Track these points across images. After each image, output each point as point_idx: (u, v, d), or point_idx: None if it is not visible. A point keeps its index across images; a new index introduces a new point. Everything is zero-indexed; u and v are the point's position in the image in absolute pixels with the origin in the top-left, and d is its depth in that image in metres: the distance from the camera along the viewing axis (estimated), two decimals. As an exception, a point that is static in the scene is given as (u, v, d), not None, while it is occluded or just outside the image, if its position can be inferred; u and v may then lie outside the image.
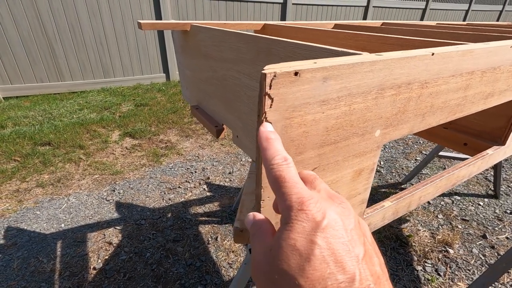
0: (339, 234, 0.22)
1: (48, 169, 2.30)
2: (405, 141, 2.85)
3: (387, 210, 0.58)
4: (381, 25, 1.38)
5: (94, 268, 1.51)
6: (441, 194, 2.05)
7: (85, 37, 4.03)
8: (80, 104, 3.62)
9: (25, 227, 1.77)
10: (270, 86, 0.30)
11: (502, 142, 0.82)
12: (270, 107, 0.31)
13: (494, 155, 0.79)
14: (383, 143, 0.46)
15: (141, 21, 0.95)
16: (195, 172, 2.33)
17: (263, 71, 0.30)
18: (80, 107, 3.52)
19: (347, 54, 0.40)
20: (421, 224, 1.79)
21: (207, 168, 2.37)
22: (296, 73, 0.31)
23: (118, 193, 2.07)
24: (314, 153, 0.39)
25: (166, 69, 4.80)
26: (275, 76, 0.30)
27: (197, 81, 1.15)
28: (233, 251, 1.61)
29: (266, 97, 0.31)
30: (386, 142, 0.47)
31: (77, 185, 2.15)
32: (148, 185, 2.16)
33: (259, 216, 0.28)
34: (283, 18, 5.61)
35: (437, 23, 1.38)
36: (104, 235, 1.72)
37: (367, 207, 0.56)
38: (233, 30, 0.76)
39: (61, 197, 2.03)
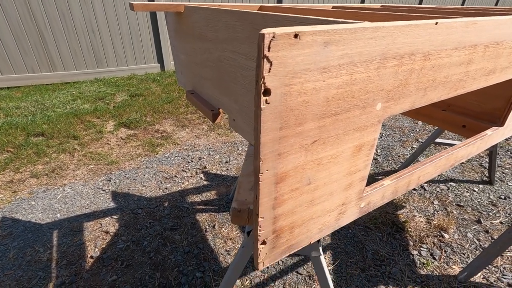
0: None
1: (42, 160, 2.27)
2: (402, 129, 2.85)
3: (387, 189, 0.58)
4: (380, 7, 1.35)
5: (91, 257, 1.50)
6: (439, 174, 2.07)
7: (76, 25, 3.93)
8: (73, 94, 3.56)
9: (20, 217, 1.75)
10: (269, 48, 0.29)
11: (501, 123, 0.82)
12: (269, 71, 0.30)
13: (493, 135, 0.79)
14: (384, 118, 0.45)
15: (133, 2, 0.92)
16: (192, 161, 2.31)
17: (261, 32, 0.28)
18: (73, 97, 3.45)
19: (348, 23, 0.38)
20: (417, 210, 1.81)
21: (203, 158, 2.36)
22: (296, 35, 0.30)
23: (114, 182, 2.06)
24: (314, 124, 0.37)
25: (160, 59, 4.72)
26: (274, 37, 0.28)
27: (192, 65, 1.12)
28: (230, 239, 1.62)
29: (265, 60, 0.29)
30: (388, 117, 0.46)
31: (72, 175, 2.12)
32: (144, 175, 2.14)
33: None
34: (279, 2, 5.52)
35: (436, 6, 1.36)
36: (101, 224, 1.71)
37: (366, 185, 0.55)
38: (227, 8, 0.74)
39: (56, 187, 2.01)
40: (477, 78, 0.58)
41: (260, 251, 0.43)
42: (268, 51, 0.29)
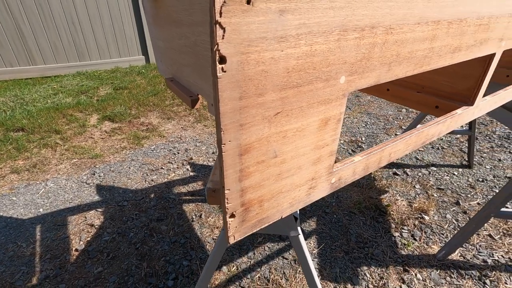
0: None
1: (23, 155, 2.21)
2: (386, 117, 2.91)
3: (358, 165, 0.59)
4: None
5: (76, 250, 1.49)
6: (421, 159, 2.13)
7: (55, 17, 3.79)
8: (54, 88, 3.46)
9: (1, 213, 1.71)
10: (220, 13, 0.29)
11: (471, 103, 0.85)
12: (223, 38, 0.30)
13: (462, 114, 0.81)
14: (349, 91, 0.46)
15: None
16: (178, 153, 2.30)
17: (212, -3, 0.28)
18: (55, 91, 3.36)
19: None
20: (399, 194, 1.86)
21: (190, 149, 2.35)
22: (248, 1, 0.30)
23: (99, 176, 2.03)
24: (275, 95, 0.38)
25: (145, 51, 4.62)
26: (225, 2, 0.28)
27: (171, 51, 1.10)
28: (217, 227, 1.63)
29: (217, 26, 0.29)
30: (352, 90, 0.47)
31: (55, 170, 2.08)
32: (129, 168, 2.12)
33: None
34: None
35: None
36: (86, 217, 1.69)
37: (335, 162, 0.57)
38: (201, -11, 0.73)
39: (38, 182, 1.96)
40: (442, 55, 0.59)
41: (230, 224, 0.44)
42: (220, 16, 0.29)
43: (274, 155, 0.43)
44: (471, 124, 2.00)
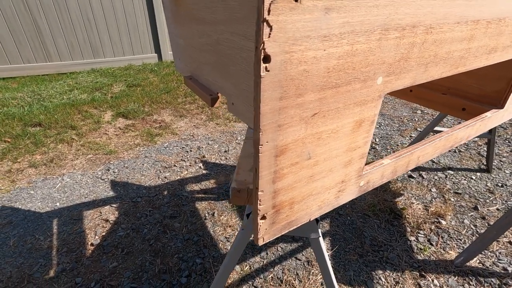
0: None
1: (40, 150, 2.26)
2: (400, 118, 2.85)
3: (386, 168, 0.58)
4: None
5: (92, 244, 1.51)
6: (437, 163, 2.07)
7: (72, 15, 3.86)
8: (69, 85, 3.52)
9: (20, 206, 1.75)
10: (269, 11, 0.28)
11: (501, 106, 0.82)
12: (269, 36, 0.29)
13: (492, 118, 0.79)
14: (385, 93, 0.45)
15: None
16: (191, 151, 2.31)
17: (261, -6, 0.27)
18: (70, 88, 3.42)
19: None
20: (415, 198, 1.82)
21: (202, 147, 2.35)
22: (296, -1, 0.29)
23: (113, 172, 2.05)
24: (314, 96, 0.37)
25: (158, 49, 4.66)
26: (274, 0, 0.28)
27: (190, 49, 1.10)
28: (230, 226, 1.63)
29: (264, 24, 0.28)
30: (388, 92, 0.45)
31: (71, 165, 2.12)
32: (143, 164, 2.14)
33: None
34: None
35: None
36: (101, 212, 1.72)
37: (365, 164, 0.55)
38: (226, -13, 0.72)
39: (54, 176, 2.00)
40: (478, 56, 0.57)
41: (260, 226, 0.44)
42: (268, 14, 0.28)
43: (308, 157, 0.42)
44: (491, 129, 1.94)
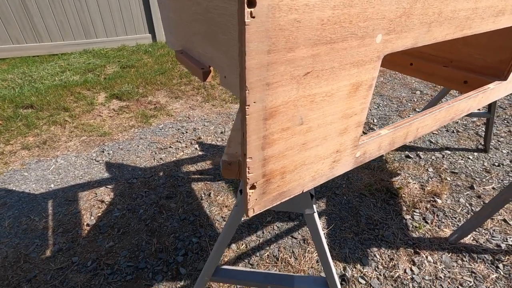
0: None
1: (33, 132, 2.22)
2: (399, 99, 2.81)
3: (384, 139, 0.55)
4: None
5: (88, 225, 1.51)
6: (435, 143, 2.06)
7: (60, -9, 3.69)
8: (61, 66, 3.42)
9: (14, 188, 1.73)
10: None
11: (504, 77, 0.78)
12: (254, -26, 0.26)
13: (495, 90, 0.76)
14: (385, 53, 0.41)
15: None
16: (186, 132, 2.27)
17: None
18: (62, 69, 3.33)
19: None
20: (412, 177, 1.82)
21: (198, 128, 2.32)
22: None
23: (108, 153, 2.03)
24: (307, 52, 0.33)
25: (151, 30, 4.51)
26: None
27: (181, 22, 1.05)
28: (226, 206, 1.63)
29: (248, -42, 0.25)
30: (388, 52, 0.42)
31: (65, 147, 2.08)
32: (138, 146, 2.11)
33: None
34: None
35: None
36: (96, 194, 1.70)
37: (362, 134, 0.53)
38: None
39: (48, 158, 1.98)
40: (485, 18, 0.53)
41: (250, 196, 0.41)
42: None
43: (300, 122, 0.39)
44: (491, 106, 1.91)
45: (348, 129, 0.47)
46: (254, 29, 0.28)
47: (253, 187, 0.41)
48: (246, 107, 0.33)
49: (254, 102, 0.33)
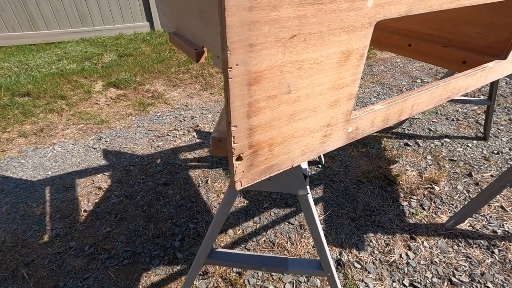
0: None
1: (30, 120, 2.20)
2: (399, 87, 2.78)
3: (377, 114, 0.54)
4: None
5: (85, 211, 1.51)
6: (435, 105, 2.03)
7: (55, -22, 3.62)
8: (58, 54, 3.38)
9: (11, 175, 1.73)
10: None
11: (504, 56, 0.76)
12: None
13: (494, 69, 0.74)
14: (376, 20, 0.40)
15: None
16: (184, 120, 2.26)
17: None
18: (59, 57, 3.29)
19: None
20: (410, 165, 1.81)
21: (196, 117, 2.30)
22: None
23: (105, 141, 2.02)
24: (292, 11, 0.32)
25: (149, 18, 4.44)
26: None
27: (174, 3, 1.02)
28: (223, 193, 1.63)
29: None
30: (380, 19, 0.40)
31: (62, 135, 2.08)
32: (135, 134, 2.10)
33: None
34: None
35: None
36: (93, 180, 1.70)
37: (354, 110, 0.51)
38: None
39: (45, 146, 1.97)
40: (484, -12, 0.51)
41: (236, 167, 0.40)
42: None
43: (287, 90, 0.38)
44: (491, 93, 1.88)
45: (339, 101, 0.45)
46: (233, -19, 0.27)
47: (239, 158, 0.40)
48: (228, 69, 0.32)
49: (237, 65, 0.32)
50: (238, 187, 0.43)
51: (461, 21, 0.84)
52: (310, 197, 0.75)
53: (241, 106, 0.35)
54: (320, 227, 0.80)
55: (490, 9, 0.72)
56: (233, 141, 0.38)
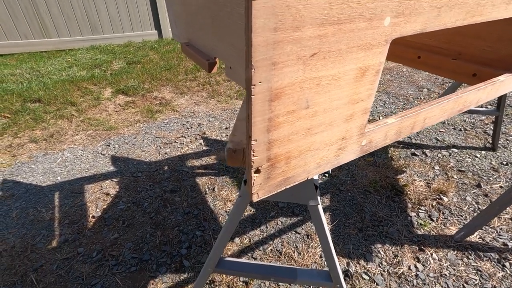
0: None
1: (40, 125, 2.24)
2: (406, 97, 2.78)
3: (390, 128, 0.55)
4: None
5: (93, 217, 1.53)
6: (441, 141, 2.03)
7: (68, -12, 3.73)
8: (68, 61, 3.46)
9: (21, 180, 1.76)
10: None
11: (515, 70, 0.77)
12: None
13: (505, 82, 0.74)
14: (393, 37, 0.41)
15: None
16: (191, 127, 2.28)
17: None
18: (69, 64, 3.36)
19: None
20: (417, 175, 1.80)
21: (203, 124, 2.32)
22: None
23: (113, 147, 2.04)
24: (313, 31, 0.33)
25: (158, 26, 4.53)
26: None
27: (187, 14, 1.05)
28: (230, 200, 1.63)
29: None
30: (396, 37, 0.41)
31: (71, 140, 2.11)
32: (143, 140, 2.12)
33: None
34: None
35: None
36: (101, 186, 1.72)
37: (368, 122, 0.52)
38: None
39: (55, 151, 2.00)
40: (496, 5, 0.52)
41: (254, 180, 0.41)
42: None
43: (306, 105, 0.39)
44: (500, 104, 1.88)
45: (354, 115, 0.46)
46: (260, 4, 0.28)
47: (257, 171, 0.41)
48: (252, 87, 0.33)
49: (260, 82, 0.33)
50: (255, 198, 0.44)
51: (471, 35, 0.85)
52: (320, 208, 0.76)
53: (262, 121, 0.36)
54: (330, 238, 0.80)
55: (500, 23, 0.73)
56: (253, 155, 0.38)
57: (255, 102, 0.34)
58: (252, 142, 0.37)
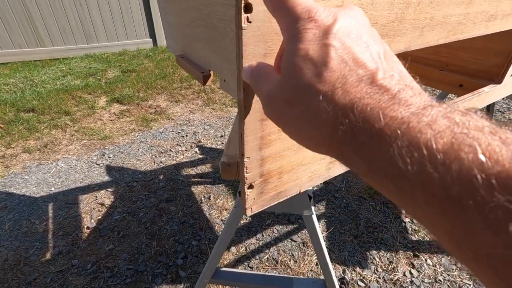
0: (354, 34, 0.20)
1: (34, 135, 2.23)
2: (398, 103, 2.83)
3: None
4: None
5: (88, 228, 1.51)
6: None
7: (62, -3, 3.74)
8: (63, 70, 3.45)
9: (14, 191, 1.74)
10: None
11: (499, 81, 0.80)
12: (250, -19, 0.27)
13: (490, 93, 0.77)
14: (378, 57, 0.43)
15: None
16: (186, 136, 2.29)
17: None
18: (63, 73, 3.36)
19: None
20: (411, 181, 1.82)
21: (198, 132, 2.33)
22: None
23: (108, 157, 2.04)
24: (302, 55, 0.35)
25: (152, 34, 4.55)
26: None
27: (182, 26, 1.07)
28: (226, 209, 1.63)
29: (245, -34, 0.26)
30: (381, 56, 0.43)
31: (65, 150, 2.10)
32: (138, 149, 2.12)
33: (256, 63, 0.27)
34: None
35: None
36: (96, 197, 1.71)
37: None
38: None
39: (49, 162, 1.99)
40: (477, 23, 0.55)
41: (248, 195, 0.42)
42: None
43: (296, 123, 0.40)
44: (489, 110, 1.92)
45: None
46: (250, 33, 0.30)
47: (251, 186, 0.42)
48: (244, 108, 0.34)
49: (251, 103, 0.34)
50: (249, 213, 0.45)
51: (456, 47, 0.88)
52: (315, 218, 0.77)
53: (254, 140, 0.38)
54: (325, 248, 0.81)
55: (483, 37, 0.76)
56: (246, 172, 0.40)
57: (248, 122, 0.35)
58: (245, 160, 0.39)
